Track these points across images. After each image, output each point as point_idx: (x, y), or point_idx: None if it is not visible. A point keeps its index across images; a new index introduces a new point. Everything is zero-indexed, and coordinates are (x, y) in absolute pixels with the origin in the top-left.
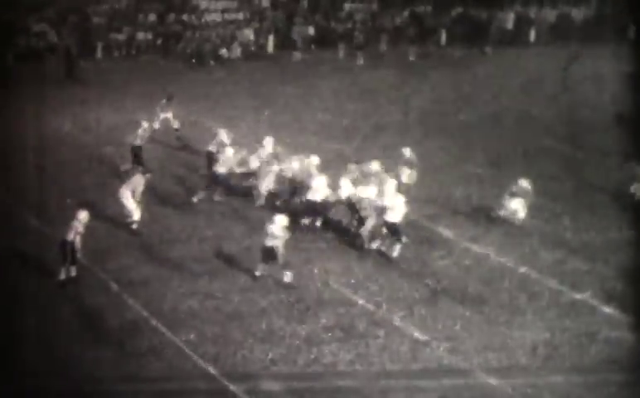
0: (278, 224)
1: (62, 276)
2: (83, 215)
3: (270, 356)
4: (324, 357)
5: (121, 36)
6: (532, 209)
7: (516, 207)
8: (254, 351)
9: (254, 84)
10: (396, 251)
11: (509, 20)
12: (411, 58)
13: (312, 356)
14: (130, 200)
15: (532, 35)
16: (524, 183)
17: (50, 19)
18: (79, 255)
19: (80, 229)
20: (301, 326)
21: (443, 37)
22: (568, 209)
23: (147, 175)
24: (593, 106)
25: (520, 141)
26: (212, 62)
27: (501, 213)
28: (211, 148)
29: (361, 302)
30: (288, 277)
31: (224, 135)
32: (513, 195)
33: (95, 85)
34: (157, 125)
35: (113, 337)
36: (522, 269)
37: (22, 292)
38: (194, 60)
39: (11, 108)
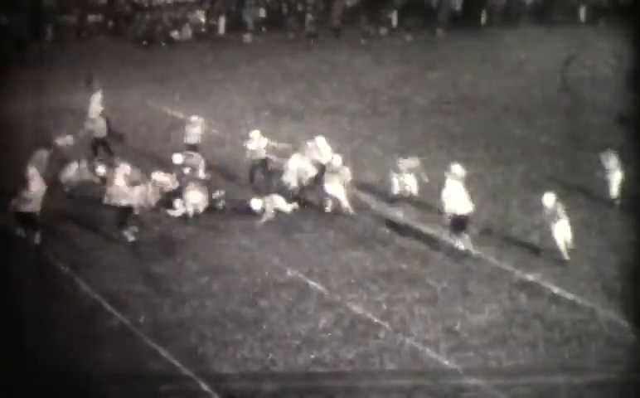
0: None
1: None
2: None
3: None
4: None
5: (72, 18)
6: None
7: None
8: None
9: (205, 67)
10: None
11: (458, 2)
12: (362, 41)
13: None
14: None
15: (483, 17)
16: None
17: (0, 2)
18: None
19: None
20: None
21: (395, 20)
22: None
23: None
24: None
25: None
26: (163, 44)
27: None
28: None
29: None
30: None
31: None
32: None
33: (46, 68)
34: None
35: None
36: None
37: None
38: (145, 42)
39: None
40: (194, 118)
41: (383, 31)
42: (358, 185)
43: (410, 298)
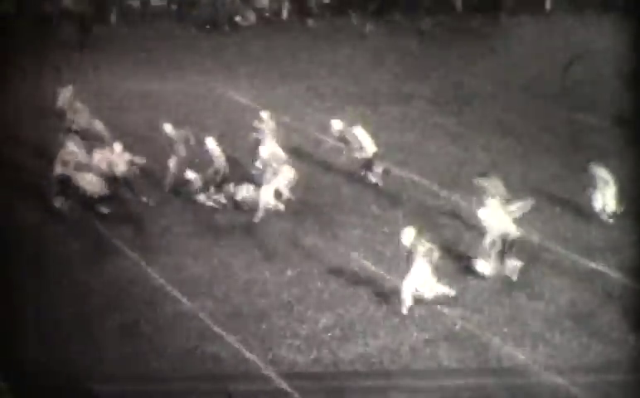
0: None
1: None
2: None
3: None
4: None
5: (135, 2)
6: None
7: None
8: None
9: (269, 51)
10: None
11: None
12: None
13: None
14: None
15: (548, 1)
16: None
17: None
18: None
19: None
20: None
21: (459, 4)
22: None
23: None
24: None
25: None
26: (227, 28)
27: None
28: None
29: None
30: None
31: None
32: None
33: (109, 52)
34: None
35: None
36: None
37: None
38: (208, 27)
39: (26, 72)
40: (264, 115)
41: (442, 17)
42: None
43: None
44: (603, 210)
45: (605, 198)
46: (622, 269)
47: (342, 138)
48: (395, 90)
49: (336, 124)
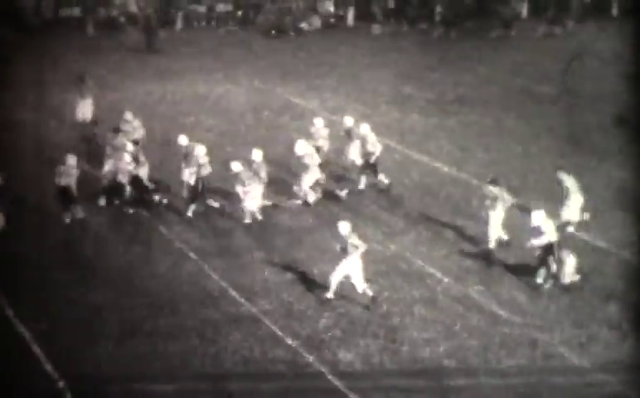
0: None
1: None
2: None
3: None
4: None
5: (201, 7)
6: None
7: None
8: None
9: (334, 57)
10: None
11: None
12: (494, 35)
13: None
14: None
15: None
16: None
17: None
18: None
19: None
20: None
21: (525, 11)
22: None
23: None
24: None
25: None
26: (292, 33)
27: None
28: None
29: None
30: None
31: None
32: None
33: (174, 56)
34: (79, 115)
35: None
36: None
37: None
38: (274, 32)
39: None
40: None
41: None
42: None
43: None
44: (568, 221)
45: (570, 209)
46: None
47: (349, 134)
48: (474, 95)
49: (348, 121)
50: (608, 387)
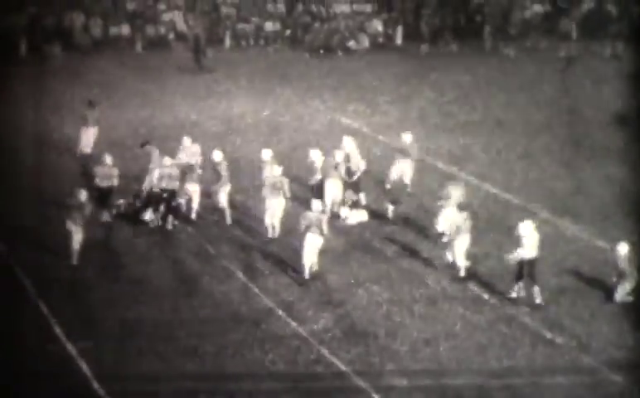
0: None
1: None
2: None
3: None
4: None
5: (249, 26)
6: None
7: None
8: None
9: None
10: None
11: None
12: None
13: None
14: None
15: None
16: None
17: (179, 8)
18: None
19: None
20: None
21: (574, 32)
22: None
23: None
24: None
25: None
26: (340, 53)
27: None
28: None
29: None
30: None
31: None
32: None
33: (223, 75)
34: (81, 147)
35: None
36: None
37: None
38: (322, 51)
39: (138, 92)
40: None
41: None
42: None
43: None
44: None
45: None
46: None
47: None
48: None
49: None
50: (609, 387)
